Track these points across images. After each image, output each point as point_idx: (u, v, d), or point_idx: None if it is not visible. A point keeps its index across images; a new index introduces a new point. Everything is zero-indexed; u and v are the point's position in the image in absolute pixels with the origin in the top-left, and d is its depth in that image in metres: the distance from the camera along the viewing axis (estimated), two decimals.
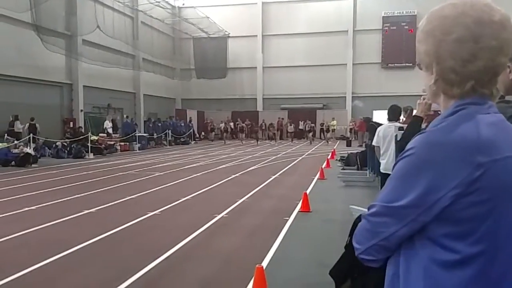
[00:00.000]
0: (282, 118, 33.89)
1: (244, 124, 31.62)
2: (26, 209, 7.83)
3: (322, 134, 31.69)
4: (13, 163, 15.69)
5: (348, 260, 1.65)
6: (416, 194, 1.00)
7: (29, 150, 16.66)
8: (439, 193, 0.99)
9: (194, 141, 31.57)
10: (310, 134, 29.68)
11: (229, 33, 35.34)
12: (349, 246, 1.64)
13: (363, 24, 34.78)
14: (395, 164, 1.09)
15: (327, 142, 28.86)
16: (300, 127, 32.05)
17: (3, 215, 7.33)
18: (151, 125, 28.73)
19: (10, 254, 5.28)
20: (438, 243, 1.02)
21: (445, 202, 0.99)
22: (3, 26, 19.01)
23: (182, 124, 32.03)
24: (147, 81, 31.70)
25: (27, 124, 19.18)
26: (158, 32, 33.69)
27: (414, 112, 3.70)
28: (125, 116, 28.63)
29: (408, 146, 1.06)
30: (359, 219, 1.46)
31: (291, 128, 30.95)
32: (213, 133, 33.36)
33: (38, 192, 9.76)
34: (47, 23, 20.30)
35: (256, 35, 36.72)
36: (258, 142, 28.83)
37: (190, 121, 33.77)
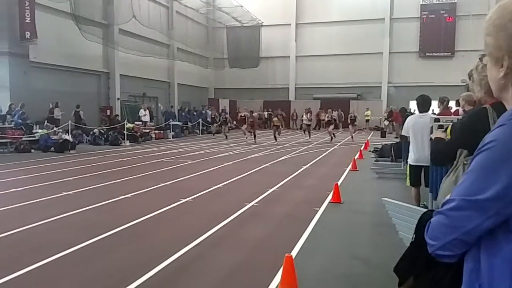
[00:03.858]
0: (320, 109, 32.51)
1: (248, 113, 23.40)
2: (64, 193, 8.13)
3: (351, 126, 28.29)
4: (52, 149, 16.32)
5: (411, 257, 1.63)
6: (500, 186, 1.00)
7: (68, 136, 17.25)
8: None
9: (227, 131, 31.71)
10: (331, 127, 22.42)
11: (263, 22, 35.22)
12: (414, 243, 1.61)
13: (401, 12, 33.83)
14: (473, 158, 1.09)
15: (352, 137, 22.97)
16: (334, 117, 31.30)
17: (43, 199, 7.65)
18: (183, 114, 29.17)
19: (49, 236, 5.51)
20: None
21: None
22: (44, 16, 19.63)
23: (216, 113, 32.40)
24: (181, 70, 32.08)
25: (73, 112, 20.19)
26: (192, 22, 33.96)
27: (436, 133, 3.66)
28: (160, 105, 29.38)
29: (488, 139, 1.06)
30: (427, 215, 1.43)
31: (306, 119, 23.57)
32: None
33: (75, 177, 10.11)
34: (85, 12, 20.82)
35: (290, 24, 36.37)
36: (255, 138, 21.46)
37: (223, 110, 34.02)
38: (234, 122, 34.54)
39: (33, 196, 7.82)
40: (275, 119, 22.51)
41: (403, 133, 6.50)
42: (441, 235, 1.09)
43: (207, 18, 36.09)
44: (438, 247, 1.10)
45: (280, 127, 22.61)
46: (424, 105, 6.22)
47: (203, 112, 31.27)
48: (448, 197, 1.17)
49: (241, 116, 23.41)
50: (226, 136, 24.61)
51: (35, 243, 5.20)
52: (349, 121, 25.73)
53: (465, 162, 2.49)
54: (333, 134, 22.51)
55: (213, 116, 29.91)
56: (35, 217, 6.25)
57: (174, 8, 31.00)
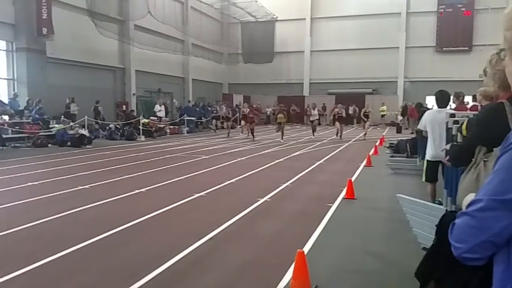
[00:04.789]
0: (336, 105, 32.44)
1: (246, 109, 21.15)
2: (80, 187, 8.24)
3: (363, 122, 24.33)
4: (69, 143, 16.53)
5: (432, 260, 1.59)
6: None
7: (84, 131, 17.46)
8: None
9: (240, 126, 31.76)
10: (337, 123, 20.12)
11: (277, 17, 35.06)
12: (435, 246, 1.56)
13: (417, 6, 33.35)
14: (499, 156, 1.06)
15: (365, 135, 20.74)
16: (350, 112, 30.96)
17: (59, 193, 7.75)
18: (197, 109, 29.29)
19: (64, 230, 5.58)
20: None
21: None
22: (60, 12, 19.86)
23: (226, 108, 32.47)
24: (195, 66, 32.19)
25: (92, 107, 20.79)
26: (207, 17, 34.01)
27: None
28: (175, 100, 29.56)
29: None
30: (449, 216, 1.38)
31: (314, 115, 21.03)
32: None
33: (91, 171, 10.23)
34: (100, 8, 21.03)
35: (305, 18, 36.15)
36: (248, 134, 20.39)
37: (237, 106, 34.04)
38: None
39: (49, 190, 7.93)
40: (279, 115, 19.57)
41: (420, 127, 6.42)
42: (468, 237, 1.06)
43: (222, 13, 36.09)
44: (466, 250, 1.07)
45: (284, 123, 19.77)
46: (443, 100, 6.12)
47: (217, 107, 31.34)
48: (470, 196, 1.13)
49: (243, 112, 21.22)
50: (215, 130, 23.88)
51: (50, 237, 5.27)
52: (362, 116, 22.21)
53: (485, 159, 2.43)
54: (340, 131, 20.09)
55: (214, 111, 26.89)
56: (50, 211, 6.34)
57: (189, 4, 31.08)
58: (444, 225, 1.34)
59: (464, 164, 3.12)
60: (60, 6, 19.96)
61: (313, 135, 20.95)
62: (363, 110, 21.06)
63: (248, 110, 20.85)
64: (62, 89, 19.91)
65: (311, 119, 21.27)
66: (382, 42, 33.66)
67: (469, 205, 1.08)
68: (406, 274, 1.90)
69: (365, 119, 20.46)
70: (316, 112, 21.26)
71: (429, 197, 6.16)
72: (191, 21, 31.20)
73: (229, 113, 24.06)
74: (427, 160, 6.17)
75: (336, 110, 20.44)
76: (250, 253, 4.74)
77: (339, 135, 20.22)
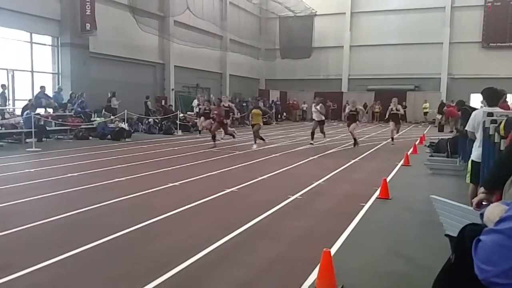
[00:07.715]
0: (375, 101, 32.19)
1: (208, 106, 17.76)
2: (117, 180, 8.47)
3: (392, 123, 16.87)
4: (109, 136, 17.05)
5: (449, 281, 1.41)
6: None
7: (124, 125, 17.94)
8: None
9: (276, 122, 31.70)
10: (352, 126, 15.07)
11: (316, 11, 34.65)
12: (454, 266, 1.36)
13: (463, 0, 32.06)
14: None
15: (392, 139, 16.43)
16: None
17: (96, 184, 8.01)
18: (233, 104, 29.44)
19: (99, 220, 5.75)
20: None
21: None
22: (103, 8, 20.46)
23: (266, 105, 32.46)
24: (233, 61, 32.38)
25: (143, 102, 22.07)
26: (245, 12, 34.08)
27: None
28: (212, 96, 29.78)
29: None
30: (471, 230, 1.21)
31: (316, 113, 15.71)
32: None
33: (128, 164, 10.50)
34: (141, 4, 21.49)
35: (345, 13, 35.53)
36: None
37: (273, 102, 33.97)
38: (284, 114, 34.41)
39: (87, 181, 8.21)
40: (254, 111, 14.96)
41: (468, 128, 6.01)
42: (500, 260, 0.93)
43: (260, 8, 36.03)
44: (496, 273, 0.93)
45: (260, 126, 14.70)
46: (493, 99, 5.77)
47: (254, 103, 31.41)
48: (496, 208, 1.01)
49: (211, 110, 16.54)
50: (199, 131, 19.28)
51: (86, 227, 5.44)
52: (386, 115, 17.21)
53: None
54: (355, 137, 15.10)
55: (200, 106, 20.43)
56: (87, 201, 6.55)
57: None
58: (464, 239, 1.20)
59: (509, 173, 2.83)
60: (103, 2, 20.56)
61: (312, 139, 15.81)
62: (389, 108, 16.27)
63: (210, 105, 17.50)
64: (104, 83, 20.53)
65: (316, 118, 15.89)
66: (424, 37, 32.58)
67: (499, 221, 0.96)
68: None
69: (393, 120, 16.01)
70: (317, 108, 15.53)
71: (469, 199, 5.89)
72: (230, 16, 31.35)
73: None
74: (472, 161, 5.86)
75: (349, 106, 15.67)
76: (278, 249, 4.71)
77: (354, 139, 15.07)
